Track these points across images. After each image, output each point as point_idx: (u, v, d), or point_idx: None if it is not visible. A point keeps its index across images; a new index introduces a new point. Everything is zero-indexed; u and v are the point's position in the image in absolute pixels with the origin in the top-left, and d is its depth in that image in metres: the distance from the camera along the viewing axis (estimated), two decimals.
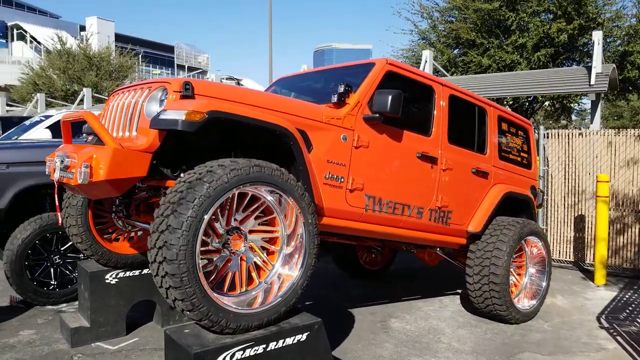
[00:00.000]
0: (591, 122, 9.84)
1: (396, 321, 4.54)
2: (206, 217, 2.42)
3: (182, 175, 2.97)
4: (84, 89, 16.04)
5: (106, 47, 24.96)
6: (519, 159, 5.04)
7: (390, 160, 3.68)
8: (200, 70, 55.68)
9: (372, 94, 3.52)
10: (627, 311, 5.11)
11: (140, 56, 26.88)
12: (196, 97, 2.76)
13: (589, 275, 6.58)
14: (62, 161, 2.87)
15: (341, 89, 3.36)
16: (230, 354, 2.53)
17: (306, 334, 2.82)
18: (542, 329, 4.52)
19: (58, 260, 4.77)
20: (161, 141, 2.73)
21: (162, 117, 2.60)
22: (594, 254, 6.77)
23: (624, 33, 12.80)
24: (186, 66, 56.57)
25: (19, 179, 4.73)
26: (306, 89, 4.32)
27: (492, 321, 4.61)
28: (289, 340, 2.75)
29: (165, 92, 2.81)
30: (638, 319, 4.81)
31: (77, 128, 3.93)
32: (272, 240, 2.91)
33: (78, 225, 3.70)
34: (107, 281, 3.91)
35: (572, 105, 16.24)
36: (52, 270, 4.74)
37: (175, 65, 55.71)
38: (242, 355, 2.57)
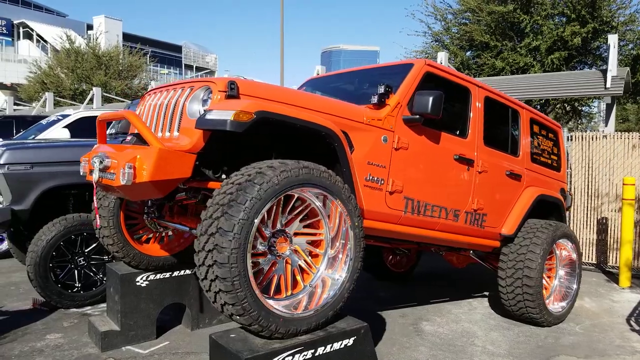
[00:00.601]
0: (606, 125, 9.76)
1: (428, 324, 4.48)
2: (257, 220, 2.37)
3: (223, 176, 2.93)
4: (94, 88, 16.04)
5: (115, 46, 24.95)
6: (549, 161, 4.98)
7: (429, 162, 3.62)
8: (208, 70, 55.64)
9: (412, 95, 3.47)
10: None
11: (148, 55, 26.85)
12: (241, 97, 2.71)
13: (613, 277, 6.52)
14: (101, 161, 2.81)
15: (381, 89, 3.30)
16: (280, 359, 2.48)
17: (353, 338, 2.76)
18: (574, 331, 4.46)
19: (82, 262, 4.72)
20: (205, 142, 2.69)
21: (208, 117, 2.54)
22: (617, 257, 6.71)
23: (636, 37, 12.73)
24: (194, 66, 56.51)
25: (43, 179, 4.68)
26: (337, 90, 4.26)
27: (522, 324, 4.55)
28: (336, 345, 2.69)
29: (208, 91, 2.77)
30: None
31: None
32: (315, 243, 2.86)
33: (110, 227, 3.65)
34: (137, 284, 3.85)
35: (582, 108, 16.18)
36: (76, 272, 4.69)
37: (183, 65, 55.63)
38: None
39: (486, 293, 5.56)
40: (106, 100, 17.89)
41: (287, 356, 2.50)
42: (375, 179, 3.28)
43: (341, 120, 3.05)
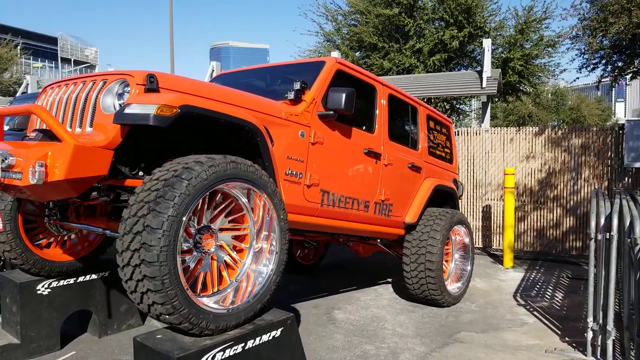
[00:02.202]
0: (482, 122, 10.80)
1: (340, 312, 4.67)
2: (185, 217, 2.33)
3: (140, 173, 2.84)
4: None
5: None
6: (443, 154, 5.43)
7: (342, 156, 3.79)
8: (88, 64, 51.76)
9: (326, 92, 3.60)
10: (536, 289, 5.76)
11: (19, 47, 24.13)
12: (161, 90, 2.64)
13: (497, 259, 7.28)
14: (3, 160, 2.57)
15: (297, 85, 3.40)
16: (211, 355, 2.47)
17: (280, 329, 2.83)
18: (471, 309, 4.93)
19: None
20: (123, 137, 2.58)
21: (128, 111, 2.45)
22: (500, 240, 7.50)
23: (505, 42, 14.17)
24: (72, 59, 52.22)
25: None
26: (248, 86, 4.24)
27: (425, 306, 4.93)
28: (265, 337, 2.74)
29: (124, 84, 2.65)
30: (547, 295, 5.46)
31: None
32: (240, 238, 2.87)
33: (7, 232, 3.33)
34: (38, 292, 3.56)
35: (460, 106, 17.67)
36: None
37: (59, 58, 51.15)
38: (222, 356, 2.52)
39: (389, 279, 5.92)
40: None
41: (218, 352, 2.50)
42: (294, 173, 3.37)
43: (262, 116, 3.08)
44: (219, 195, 2.67)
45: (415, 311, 4.79)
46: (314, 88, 3.58)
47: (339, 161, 3.78)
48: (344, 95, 3.48)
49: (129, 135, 2.64)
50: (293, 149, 3.35)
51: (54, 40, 52.23)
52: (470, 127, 10.01)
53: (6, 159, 2.55)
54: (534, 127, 7.48)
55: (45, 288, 3.60)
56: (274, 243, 2.87)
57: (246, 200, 2.79)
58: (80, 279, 3.78)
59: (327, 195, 3.66)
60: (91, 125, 2.69)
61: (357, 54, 15.03)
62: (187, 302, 2.37)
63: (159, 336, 2.55)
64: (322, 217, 3.70)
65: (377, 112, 4.28)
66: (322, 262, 6.54)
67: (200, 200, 2.49)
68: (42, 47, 49.14)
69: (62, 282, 3.69)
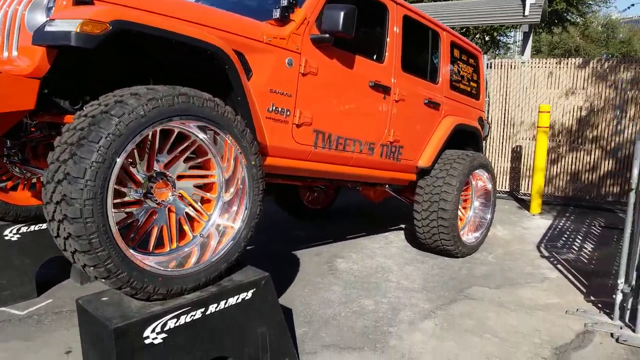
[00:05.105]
0: (522, 54, 9.82)
1: (342, 261, 4.28)
2: (118, 161, 1.88)
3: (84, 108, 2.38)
4: None
5: None
6: (468, 88, 4.75)
7: (342, 90, 3.23)
8: None
9: (321, 10, 2.99)
10: (563, 239, 5.22)
11: None
12: (96, 3, 2.12)
13: (524, 204, 6.70)
14: None
15: (284, 2, 2.79)
16: (161, 323, 2.09)
17: (252, 291, 2.43)
18: (487, 261, 4.46)
19: None
20: (51, 63, 2.09)
21: (48, 29, 1.96)
22: (529, 184, 6.87)
23: None
24: None
25: None
26: (239, 6, 3.67)
27: (437, 256, 4.49)
28: (232, 301, 2.35)
29: None
30: (574, 247, 4.92)
31: None
32: (207, 187, 2.43)
33: None
34: (6, 238, 3.29)
35: (500, 38, 16.35)
36: None
37: None
38: (176, 323, 2.14)
39: (402, 226, 5.48)
40: None
41: (170, 319, 2.12)
42: (280, 109, 2.85)
43: (234, 38, 2.53)
44: (175, 135, 2.20)
45: (426, 262, 4.36)
46: (306, 4, 2.97)
47: (337, 96, 3.21)
48: (342, 14, 2.87)
49: (72, 59, 2.18)
50: (278, 81, 2.80)
51: None
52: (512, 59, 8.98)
53: None
54: (577, 59, 6.58)
55: (14, 234, 3.32)
56: (245, 193, 2.42)
57: (212, 142, 2.32)
58: None
59: (321, 137, 3.15)
60: (17, 49, 2.22)
61: None
62: (125, 264, 1.96)
63: (105, 299, 2.19)
64: (316, 162, 3.20)
65: (389, 36, 3.63)
66: (333, 206, 6.12)
67: (145, 141, 2.05)
68: None
69: (33, 228, 3.40)
